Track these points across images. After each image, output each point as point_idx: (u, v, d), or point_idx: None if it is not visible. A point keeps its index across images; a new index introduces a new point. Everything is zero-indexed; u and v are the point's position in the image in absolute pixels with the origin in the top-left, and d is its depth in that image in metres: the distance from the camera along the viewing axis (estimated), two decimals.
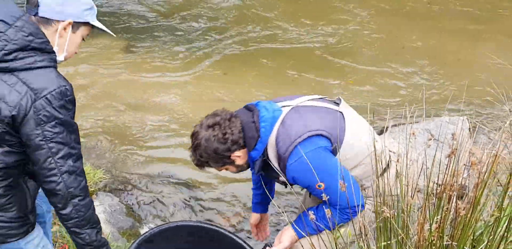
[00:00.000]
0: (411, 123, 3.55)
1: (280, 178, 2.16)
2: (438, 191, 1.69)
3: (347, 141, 2.15)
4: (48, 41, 1.75)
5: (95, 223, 1.91)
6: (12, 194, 1.81)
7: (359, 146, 2.16)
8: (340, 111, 2.21)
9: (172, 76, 4.83)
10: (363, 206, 2.15)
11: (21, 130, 1.69)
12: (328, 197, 1.77)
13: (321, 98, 2.32)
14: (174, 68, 4.95)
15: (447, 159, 1.85)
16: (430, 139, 2.56)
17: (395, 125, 4.05)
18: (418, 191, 2.06)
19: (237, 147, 2.15)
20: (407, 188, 2.03)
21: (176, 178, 3.64)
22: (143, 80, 4.75)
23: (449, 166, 1.72)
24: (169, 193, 3.52)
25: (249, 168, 2.28)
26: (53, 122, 1.69)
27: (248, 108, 2.23)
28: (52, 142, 1.70)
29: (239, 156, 2.19)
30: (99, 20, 1.92)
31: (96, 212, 3.06)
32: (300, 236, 2.25)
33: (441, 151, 1.93)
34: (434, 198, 2.01)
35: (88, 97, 4.41)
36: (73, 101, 1.75)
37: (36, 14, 1.76)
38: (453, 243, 1.70)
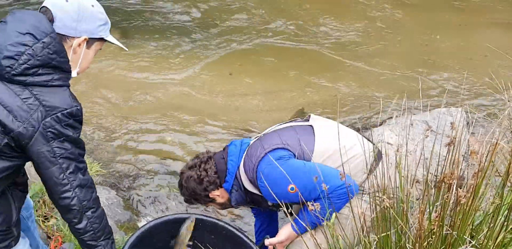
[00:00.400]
0: (408, 115, 3.55)
1: (269, 203, 2.33)
2: (438, 180, 1.68)
3: (318, 146, 2.26)
4: (68, 61, 1.74)
5: (109, 234, 1.91)
6: None
7: (333, 148, 2.21)
8: (310, 125, 2.36)
9: (172, 74, 4.75)
10: (355, 185, 2.16)
11: (29, 148, 1.67)
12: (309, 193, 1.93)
13: (294, 120, 2.50)
14: (176, 65, 4.87)
15: (446, 149, 1.85)
16: (428, 130, 2.56)
17: (390, 117, 4.05)
18: (416, 182, 2.06)
19: (214, 186, 2.35)
20: (406, 178, 2.03)
21: (173, 172, 3.63)
22: (142, 76, 4.69)
23: (449, 155, 1.71)
24: (166, 187, 3.52)
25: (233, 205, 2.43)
26: (61, 139, 1.68)
27: (224, 148, 2.44)
28: (61, 158, 1.70)
29: (218, 195, 2.38)
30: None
31: None
32: (296, 231, 2.27)
33: (440, 143, 1.93)
34: (433, 188, 2.01)
35: (85, 90, 4.37)
36: (81, 121, 1.75)
37: None
38: (453, 232, 1.70)
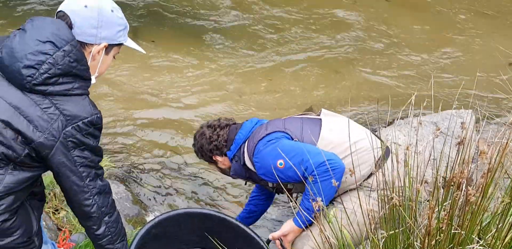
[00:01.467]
0: (417, 116, 3.55)
1: (269, 184, 2.46)
2: (448, 178, 1.69)
3: (322, 137, 2.35)
4: (89, 68, 1.70)
5: (124, 236, 1.92)
6: (16, 217, 1.72)
7: (337, 141, 2.32)
8: (319, 118, 2.46)
9: (186, 71, 4.73)
10: (339, 163, 2.20)
11: (49, 159, 1.65)
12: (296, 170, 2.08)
13: (305, 113, 2.62)
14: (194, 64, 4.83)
15: (454, 150, 1.86)
16: (438, 129, 2.54)
17: (401, 118, 4.05)
18: (425, 182, 2.06)
19: (219, 152, 2.51)
20: (415, 178, 2.04)
21: (182, 167, 3.66)
22: (155, 69, 4.67)
23: (459, 154, 1.72)
24: (175, 182, 3.55)
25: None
26: (82, 148, 1.67)
27: (243, 122, 2.57)
28: (82, 166, 1.69)
29: (220, 161, 2.55)
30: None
31: None
32: (299, 225, 2.31)
33: (448, 145, 1.94)
34: (442, 188, 2.01)
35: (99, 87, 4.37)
36: (101, 129, 1.74)
37: None
38: (461, 231, 1.71)
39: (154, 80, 4.53)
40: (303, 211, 2.18)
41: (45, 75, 1.58)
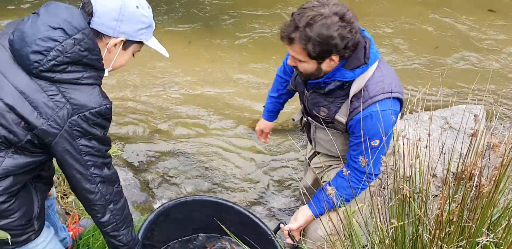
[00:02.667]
0: (426, 110, 3.53)
1: (323, 110, 2.15)
2: (460, 170, 1.68)
3: None
4: (101, 58, 1.66)
5: (130, 222, 1.91)
6: (16, 199, 1.70)
7: None
8: None
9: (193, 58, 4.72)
10: (376, 176, 2.17)
11: (53, 146, 1.61)
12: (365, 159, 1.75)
13: None
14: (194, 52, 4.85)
15: (464, 145, 1.84)
16: (447, 123, 2.55)
17: (410, 112, 4.03)
18: (434, 176, 2.05)
19: (342, 52, 1.94)
20: (425, 169, 2.03)
21: (190, 154, 3.66)
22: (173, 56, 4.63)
23: (471, 146, 1.70)
24: (183, 169, 3.55)
25: (315, 79, 2.08)
26: (88, 137, 1.63)
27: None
28: (87, 155, 1.66)
29: (333, 60, 1.98)
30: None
31: None
32: (316, 215, 2.26)
33: (457, 139, 1.92)
34: (453, 181, 2.00)
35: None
36: (110, 120, 1.69)
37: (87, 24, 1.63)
38: (472, 224, 1.70)
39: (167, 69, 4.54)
40: (321, 199, 2.15)
41: (53, 62, 1.55)
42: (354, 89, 2.05)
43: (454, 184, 2.02)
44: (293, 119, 2.53)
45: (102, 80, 1.70)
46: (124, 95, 4.17)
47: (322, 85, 2.10)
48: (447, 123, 3.53)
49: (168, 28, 5.02)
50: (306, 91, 2.22)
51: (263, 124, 2.83)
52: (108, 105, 1.64)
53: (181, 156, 3.65)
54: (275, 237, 2.35)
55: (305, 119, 2.37)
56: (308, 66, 2.01)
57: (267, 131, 2.87)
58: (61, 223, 2.40)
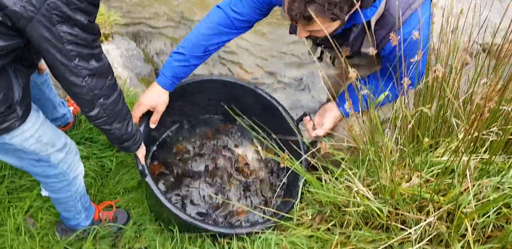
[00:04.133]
0: None
1: (346, 49, 1.92)
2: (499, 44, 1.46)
3: None
4: None
5: (124, 116, 1.74)
6: None
7: None
8: None
9: None
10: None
11: (28, 31, 1.39)
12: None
13: None
14: None
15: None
16: None
17: None
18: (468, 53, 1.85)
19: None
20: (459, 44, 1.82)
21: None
22: None
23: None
24: None
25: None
26: (70, 23, 1.39)
27: None
28: (70, 44, 1.43)
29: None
30: None
31: (113, 56, 2.94)
32: (346, 114, 2.05)
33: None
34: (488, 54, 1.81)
35: None
36: (97, 4, 1.44)
37: None
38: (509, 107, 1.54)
39: None
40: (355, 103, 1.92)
41: None
42: (374, 19, 1.80)
43: (489, 58, 1.83)
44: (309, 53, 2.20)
45: None
46: None
47: (339, 32, 1.83)
48: None
49: None
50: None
51: (160, 98, 2.10)
52: None
53: (186, 27, 3.39)
54: (298, 129, 2.22)
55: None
56: (331, 28, 1.74)
57: (162, 109, 2.14)
58: (59, 98, 2.27)
